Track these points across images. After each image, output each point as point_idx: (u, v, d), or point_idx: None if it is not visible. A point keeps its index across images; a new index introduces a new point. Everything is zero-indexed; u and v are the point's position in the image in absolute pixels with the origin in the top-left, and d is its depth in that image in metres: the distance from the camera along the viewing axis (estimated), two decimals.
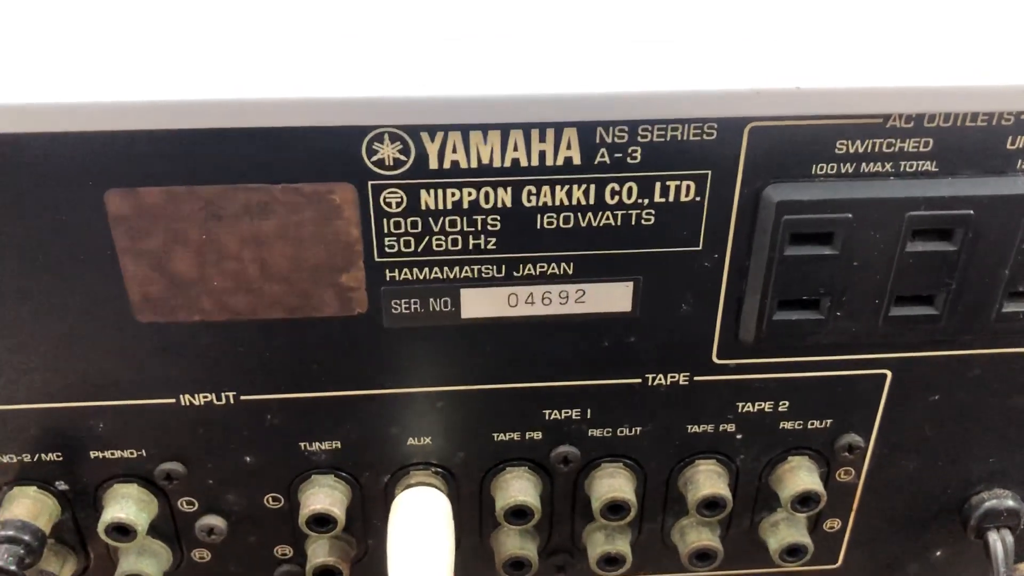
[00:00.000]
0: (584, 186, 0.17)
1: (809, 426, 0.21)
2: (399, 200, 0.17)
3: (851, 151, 0.17)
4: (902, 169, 0.18)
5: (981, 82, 0.17)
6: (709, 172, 0.17)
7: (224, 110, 0.16)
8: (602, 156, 0.17)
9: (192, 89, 0.16)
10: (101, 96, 0.16)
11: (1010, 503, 0.22)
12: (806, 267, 0.18)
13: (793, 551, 0.21)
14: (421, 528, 0.19)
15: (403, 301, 0.18)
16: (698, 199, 0.17)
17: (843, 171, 0.17)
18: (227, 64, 0.17)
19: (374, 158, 0.17)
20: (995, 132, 0.17)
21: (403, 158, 0.17)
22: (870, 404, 0.20)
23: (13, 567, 0.19)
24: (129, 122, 0.16)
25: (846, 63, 0.17)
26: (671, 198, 0.17)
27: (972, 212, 0.18)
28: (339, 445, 0.20)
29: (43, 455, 0.20)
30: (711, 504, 0.20)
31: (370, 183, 0.17)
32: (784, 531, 0.22)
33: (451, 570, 0.19)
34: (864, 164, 0.17)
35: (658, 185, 0.17)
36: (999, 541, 0.22)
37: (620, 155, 0.17)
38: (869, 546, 0.23)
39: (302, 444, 0.20)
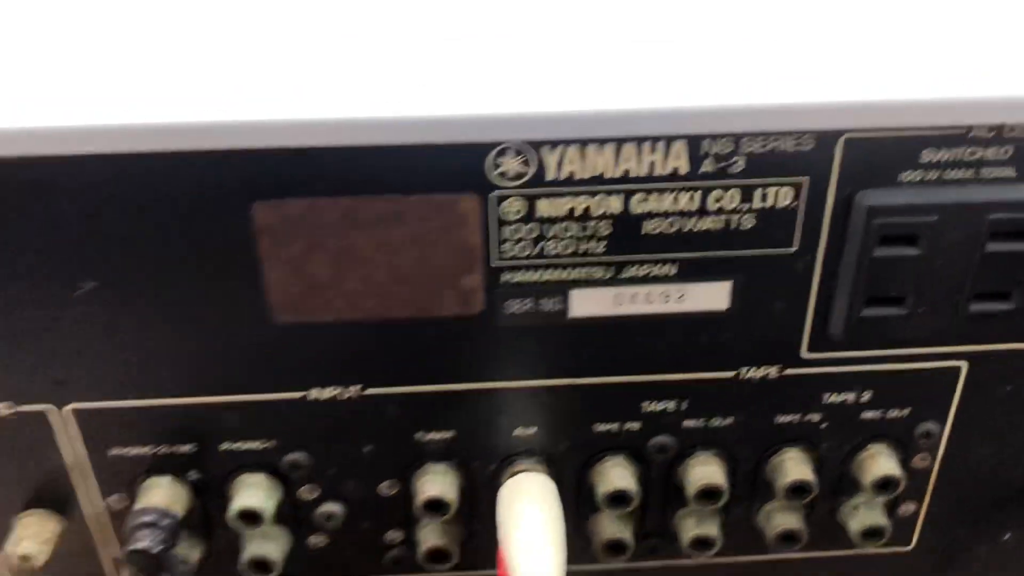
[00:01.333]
0: (689, 193, 0.19)
1: (888, 415, 0.22)
2: (518, 209, 0.19)
3: (935, 160, 0.19)
4: (982, 175, 0.19)
5: None
6: (806, 179, 0.19)
7: (363, 128, 0.17)
8: (707, 166, 0.18)
9: (332, 109, 0.18)
10: (252, 115, 0.17)
11: None
12: (892, 267, 0.19)
13: (872, 533, 0.23)
14: (537, 508, 0.21)
15: (516, 301, 0.20)
16: (794, 204, 0.19)
17: (927, 179, 0.19)
18: (354, 82, 0.18)
19: (498, 171, 0.18)
20: None
21: (524, 170, 0.18)
22: (946, 394, 0.22)
23: (159, 549, 0.20)
24: (277, 140, 0.18)
25: (929, 75, 0.18)
26: (769, 204, 0.19)
27: None
28: (452, 435, 0.21)
29: (178, 447, 0.21)
30: (798, 489, 0.22)
31: (493, 194, 0.18)
32: (864, 514, 0.23)
33: (564, 546, 0.20)
34: (947, 171, 0.19)
35: (758, 192, 0.19)
36: None
37: (724, 164, 0.18)
38: (941, 529, 0.24)
39: (418, 434, 0.21)
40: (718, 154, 0.18)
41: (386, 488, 0.22)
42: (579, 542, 0.23)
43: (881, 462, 0.22)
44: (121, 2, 0.22)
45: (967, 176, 0.19)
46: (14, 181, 0.18)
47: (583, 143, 0.18)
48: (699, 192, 0.18)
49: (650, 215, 0.19)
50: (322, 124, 0.17)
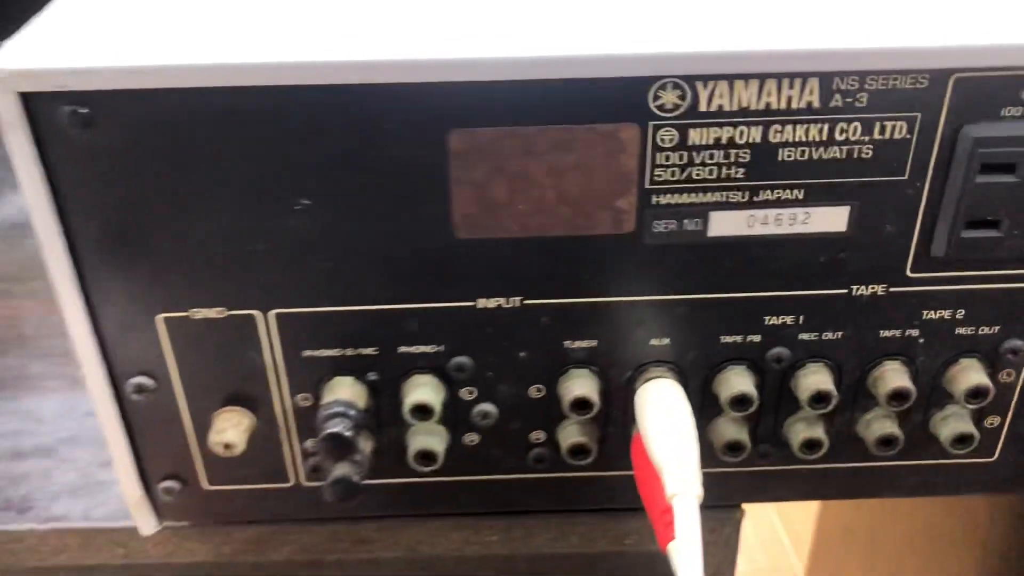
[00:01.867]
0: (820, 125, 0.22)
1: (980, 332, 0.25)
2: (672, 137, 0.22)
3: None
4: None
5: None
6: (919, 114, 0.22)
7: (543, 65, 0.21)
8: (836, 100, 0.21)
9: (516, 48, 0.21)
10: (450, 54, 0.21)
11: None
12: (992, 193, 0.22)
13: (962, 439, 0.26)
14: (673, 409, 0.24)
15: (663, 222, 0.23)
16: (908, 136, 0.22)
17: (1022, 115, 0.22)
18: (534, 25, 0.22)
19: (657, 103, 0.21)
20: None
21: (680, 103, 0.21)
22: None
23: (349, 434, 0.24)
24: (468, 75, 0.21)
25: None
26: (887, 136, 0.22)
27: None
28: (595, 344, 0.25)
29: (362, 349, 0.25)
30: (897, 396, 0.25)
31: (651, 123, 0.21)
32: (954, 423, 0.26)
33: (696, 440, 0.23)
34: (1017, 107, 0.22)
35: (878, 125, 0.22)
36: None
37: (850, 100, 0.21)
38: (1023, 442, 0.27)
39: (566, 342, 0.25)
40: (845, 90, 0.21)
41: (535, 391, 0.25)
42: (704, 445, 0.26)
43: (972, 375, 0.25)
44: None
45: None
46: (254, 106, 0.21)
47: (731, 78, 0.21)
48: (827, 124, 0.22)
49: (784, 144, 0.22)
50: (508, 61, 0.21)
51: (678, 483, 0.22)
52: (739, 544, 0.30)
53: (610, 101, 0.21)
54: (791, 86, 0.21)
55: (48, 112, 0.21)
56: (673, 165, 0.22)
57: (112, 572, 0.31)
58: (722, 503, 0.29)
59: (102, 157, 0.21)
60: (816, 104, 0.21)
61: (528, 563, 0.31)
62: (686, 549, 0.21)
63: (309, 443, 0.26)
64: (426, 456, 0.25)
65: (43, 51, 0.21)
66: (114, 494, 0.30)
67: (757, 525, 1.38)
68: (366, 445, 0.25)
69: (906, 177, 0.22)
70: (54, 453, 0.32)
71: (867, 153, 0.22)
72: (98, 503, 0.30)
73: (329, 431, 0.24)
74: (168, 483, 0.27)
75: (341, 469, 0.24)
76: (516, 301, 0.24)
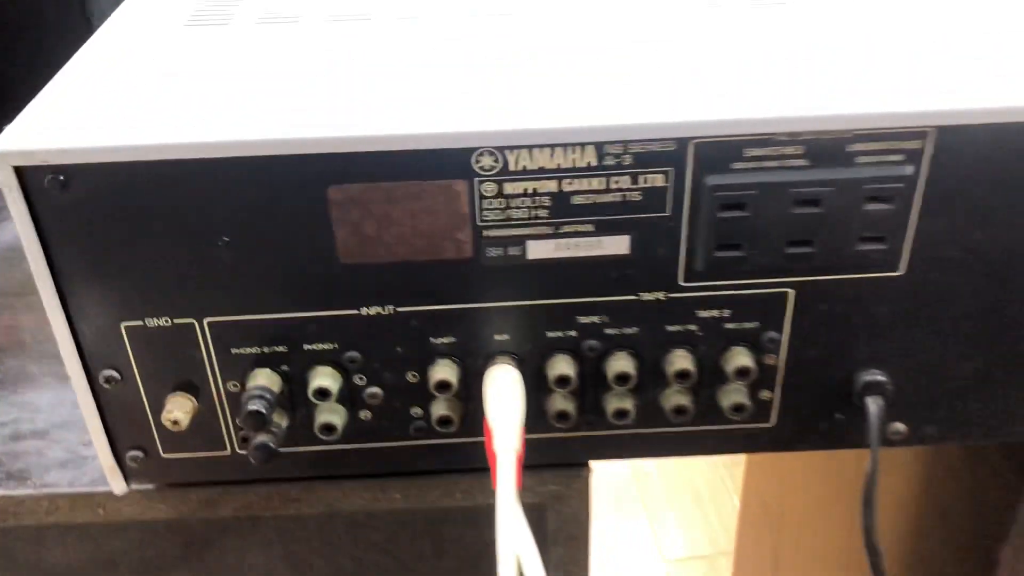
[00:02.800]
0: (599, 178, 0.30)
1: (743, 326, 0.33)
2: (492, 189, 0.30)
3: (754, 154, 0.30)
4: (785, 164, 0.30)
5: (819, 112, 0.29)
6: (672, 169, 0.30)
7: (395, 140, 0.29)
8: (608, 160, 0.29)
9: (379, 126, 0.29)
10: (331, 133, 0.29)
11: (880, 378, 0.34)
12: (731, 224, 0.30)
13: (738, 409, 0.34)
14: (506, 388, 0.32)
15: (493, 249, 0.31)
16: (666, 184, 0.30)
17: (749, 167, 0.30)
18: (394, 111, 0.29)
19: (479, 165, 0.29)
20: (840, 141, 0.29)
21: (495, 165, 0.29)
22: (780, 311, 0.33)
23: (265, 411, 0.32)
24: (343, 147, 0.29)
25: (744, 100, 0.29)
26: (650, 184, 0.30)
27: (833, 188, 0.30)
28: (454, 339, 0.33)
29: (275, 347, 0.33)
30: (682, 375, 0.33)
31: (475, 179, 0.29)
32: (732, 396, 0.34)
33: (523, 410, 0.31)
34: (763, 162, 0.30)
35: (642, 177, 0.30)
36: (873, 404, 0.34)
37: (619, 159, 0.29)
38: (792, 410, 0.35)
39: (431, 339, 0.33)
40: (614, 153, 0.29)
41: (411, 377, 0.33)
42: (538, 416, 0.34)
43: (740, 358, 0.33)
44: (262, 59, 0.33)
45: (775, 165, 0.30)
46: (186, 172, 0.29)
47: (531, 148, 0.29)
48: (604, 177, 0.30)
49: (575, 192, 0.30)
50: (371, 138, 0.29)
51: (501, 442, 0.30)
52: (590, 496, 0.38)
53: (446, 164, 0.29)
54: (574, 151, 0.29)
55: (35, 178, 0.29)
56: (495, 208, 0.30)
57: (94, 528, 0.39)
58: (567, 462, 0.37)
59: (76, 210, 0.29)
60: (594, 163, 0.29)
61: (424, 515, 0.39)
62: (502, 494, 0.29)
63: (238, 419, 0.34)
64: (328, 428, 0.33)
65: (31, 134, 0.29)
66: (94, 467, 0.38)
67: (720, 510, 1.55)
68: (281, 420, 0.33)
69: (669, 214, 0.30)
70: (47, 435, 0.40)
71: (637, 197, 0.30)
72: (82, 474, 0.38)
73: (250, 409, 0.32)
74: (133, 452, 0.35)
75: (261, 438, 0.32)
76: (391, 309, 0.32)
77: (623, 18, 0.37)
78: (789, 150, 0.29)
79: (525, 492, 0.35)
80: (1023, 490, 0.39)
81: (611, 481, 1.66)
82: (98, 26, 0.38)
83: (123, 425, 0.34)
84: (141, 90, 0.32)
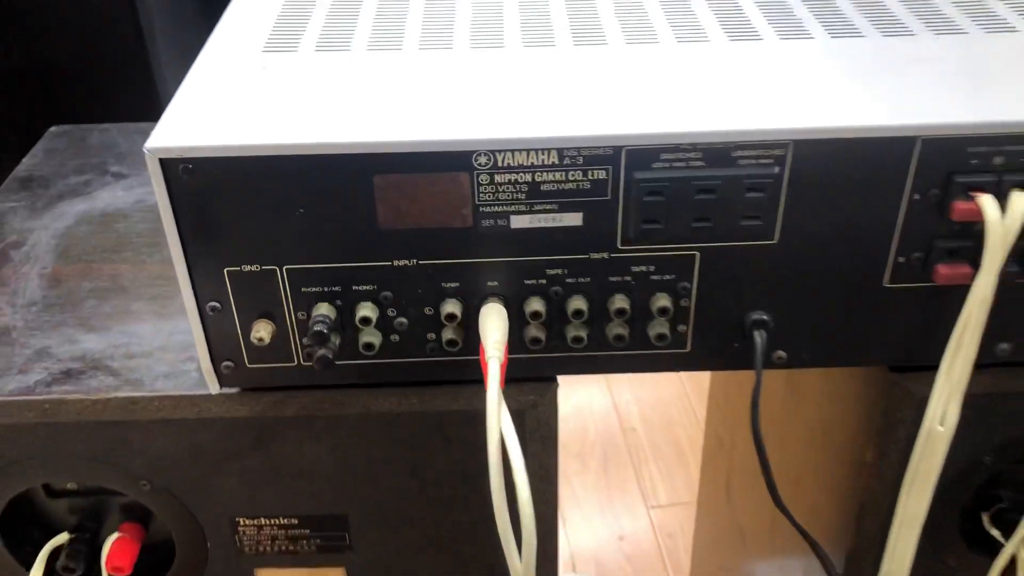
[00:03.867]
0: (561, 172, 0.43)
1: (664, 278, 0.46)
2: (486, 179, 0.43)
3: (668, 157, 0.43)
4: (690, 164, 0.43)
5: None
6: (611, 167, 0.43)
7: (418, 145, 0.42)
8: (567, 160, 0.42)
9: (408, 133, 0.42)
10: (379, 137, 0.42)
11: (764, 318, 0.47)
12: (653, 206, 0.43)
13: (660, 338, 0.47)
14: (494, 318, 0.45)
15: (487, 220, 0.44)
16: (606, 178, 0.43)
17: (665, 166, 0.43)
18: (412, 117, 0.42)
19: (477, 162, 0.42)
20: (727, 149, 0.42)
21: (488, 162, 0.42)
22: (691, 268, 0.46)
23: (325, 331, 0.45)
24: (386, 149, 0.42)
25: (654, 115, 0.42)
26: (596, 177, 0.43)
27: (722, 182, 0.43)
28: (458, 284, 0.46)
29: (332, 288, 0.46)
30: (620, 312, 0.46)
31: (475, 172, 0.43)
32: (657, 328, 0.47)
33: (506, 333, 0.45)
34: (673, 163, 0.43)
35: (591, 172, 0.43)
36: (758, 336, 0.47)
37: (575, 159, 0.42)
38: (702, 340, 0.48)
39: (442, 283, 0.46)
40: (571, 155, 0.42)
41: (427, 311, 0.47)
42: (518, 342, 0.48)
43: (661, 301, 0.46)
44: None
45: (682, 165, 0.43)
46: (275, 165, 0.42)
47: (513, 150, 0.42)
48: (564, 172, 0.43)
49: (544, 182, 0.43)
50: (404, 143, 0.42)
51: (489, 352, 0.44)
52: (556, 404, 0.52)
53: (455, 162, 0.42)
54: (543, 154, 0.42)
55: (172, 167, 0.42)
56: (488, 193, 0.43)
57: (189, 423, 0.52)
58: (539, 376, 0.50)
59: (197, 189, 0.43)
60: (557, 162, 0.42)
61: (435, 416, 0.52)
62: (490, 387, 0.43)
63: (305, 338, 0.47)
64: (368, 347, 0.47)
65: (168, 136, 0.42)
66: (191, 378, 0.52)
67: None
68: (335, 339, 0.47)
69: (609, 198, 0.43)
70: (151, 356, 0.54)
71: (587, 186, 0.43)
72: (182, 382, 0.52)
73: (315, 329, 0.45)
74: (226, 363, 0.48)
75: (322, 351, 0.46)
76: (414, 261, 0.45)
77: (576, 56, 0.49)
78: (692, 155, 0.42)
79: (508, 399, 0.49)
80: (880, 403, 0.52)
81: (600, 437, 1.80)
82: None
83: (220, 342, 0.47)
84: (239, 104, 0.45)
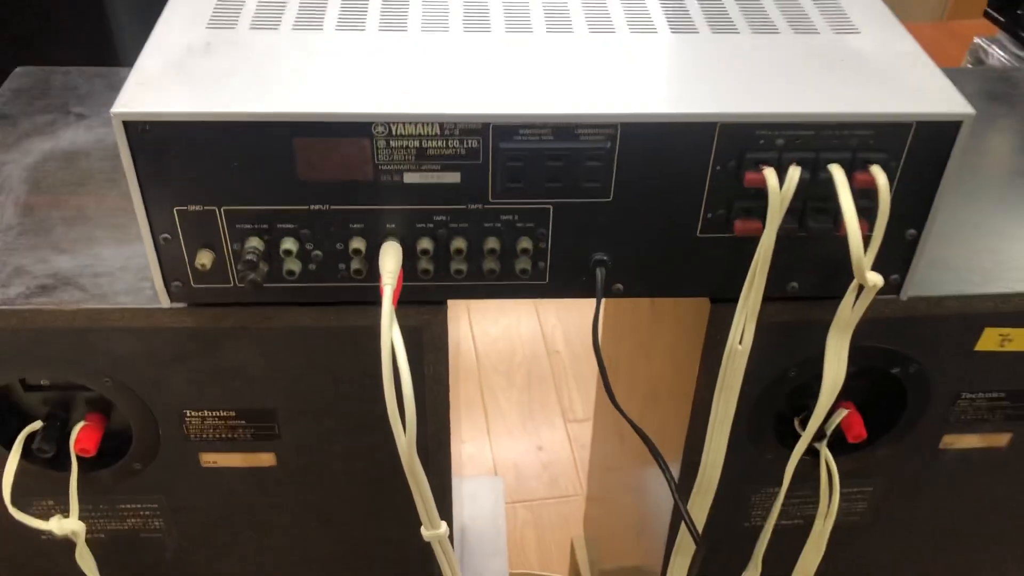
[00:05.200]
0: (441, 140, 0.54)
1: (526, 225, 0.58)
2: (383, 144, 0.54)
3: (525, 132, 0.54)
4: (540, 138, 0.55)
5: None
6: (482, 138, 0.54)
7: (335, 115, 0.53)
8: (446, 131, 0.54)
9: (327, 106, 0.53)
10: (300, 107, 0.53)
11: (603, 257, 0.60)
12: (514, 170, 0.55)
13: (524, 271, 0.59)
14: (392, 252, 0.57)
15: (384, 175, 0.56)
16: (479, 147, 0.55)
17: (521, 139, 0.55)
18: (338, 92, 0.54)
19: (376, 131, 0.54)
20: (571, 127, 0.54)
21: (384, 131, 0.54)
22: (547, 218, 0.58)
23: (254, 259, 0.57)
24: (304, 118, 0.53)
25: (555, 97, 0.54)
26: (470, 146, 0.55)
27: (569, 153, 0.55)
28: (363, 225, 0.58)
29: (259, 225, 0.57)
30: (492, 251, 0.58)
31: (374, 139, 0.54)
32: (521, 264, 0.60)
33: (399, 265, 0.57)
34: (518, 136, 0.55)
35: (466, 141, 0.54)
36: (599, 272, 0.60)
37: (449, 132, 0.54)
38: (558, 274, 0.61)
39: (351, 224, 0.58)
40: (450, 128, 0.54)
41: (338, 246, 0.58)
42: (412, 273, 0.60)
43: (524, 243, 0.59)
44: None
45: (536, 138, 0.55)
46: (218, 129, 0.53)
47: (404, 122, 0.53)
48: (444, 140, 0.54)
49: (429, 148, 0.55)
50: (321, 113, 0.53)
51: (384, 279, 0.56)
52: (447, 322, 0.64)
53: (357, 130, 0.54)
54: (429, 126, 0.54)
55: (133, 128, 0.53)
56: (385, 155, 0.55)
57: (145, 331, 0.64)
58: (430, 300, 0.62)
59: (154, 145, 0.53)
60: (439, 133, 0.54)
61: (348, 330, 0.64)
62: (384, 304, 0.55)
63: (239, 265, 0.59)
64: (291, 273, 0.59)
65: (131, 100, 0.53)
66: (147, 294, 0.63)
67: None
68: (263, 266, 0.59)
69: (481, 162, 0.55)
70: (113, 275, 0.65)
71: (463, 152, 0.55)
72: (139, 297, 0.63)
73: (247, 258, 0.57)
74: (175, 283, 0.60)
75: (252, 276, 0.57)
76: (328, 206, 0.57)
77: (464, 40, 0.61)
78: (544, 131, 0.54)
79: (408, 318, 0.61)
80: (703, 327, 0.66)
81: (526, 358, 1.95)
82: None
83: (170, 266, 0.59)
84: (186, 76, 0.55)
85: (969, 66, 1.40)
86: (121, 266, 0.66)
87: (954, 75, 0.94)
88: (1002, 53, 1.35)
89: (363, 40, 0.60)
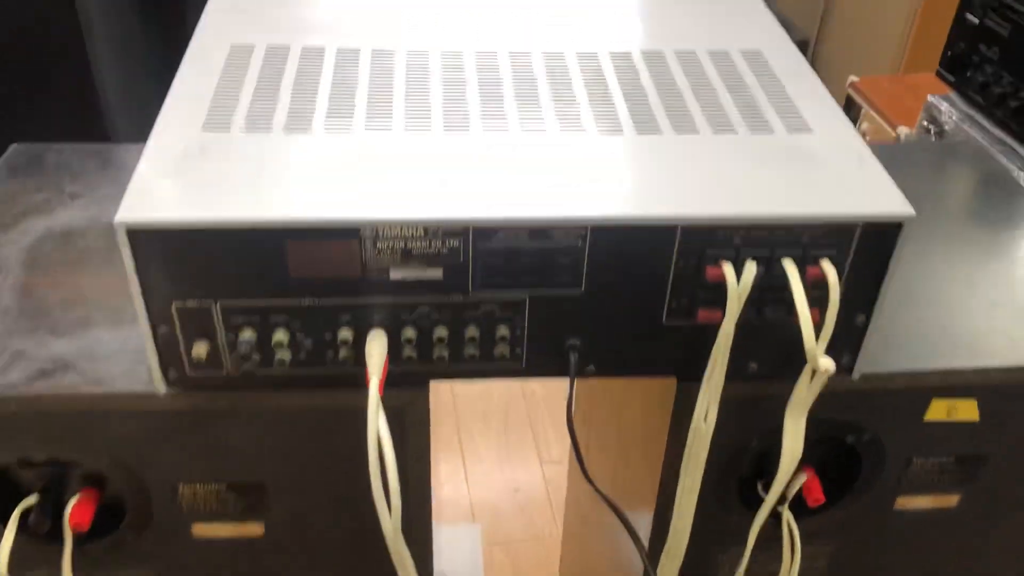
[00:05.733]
0: (425, 241, 0.58)
1: (504, 314, 0.62)
2: (371, 245, 0.58)
3: (504, 234, 0.59)
4: (516, 239, 0.59)
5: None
6: (462, 238, 0.59)
7: (325, 221, 0.57)
8: (429, 233, 0.58)
9: (318, 213, 0.57)
10: (288, 215, 0.57)
11: (576, 342, 0.64)
12: (493, 267, 0.60)
13: (502, 357, 0.64)
14: (378, 342, 0.61)
15: (371, 272, 0.60)
16: (460, 247, 0.59)
17: (501, 239, 0.59)
18: (325, 202, 0.58)
19: (363, 234, 0.58)
20: (545, 229, 0.59)
21: (372, 233, 0.58)
22: (523, 308, 0.62)
23: (246, 352, 0.60)
24: (296, 224, 0.57)
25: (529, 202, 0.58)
26: (451, 246, 0.59)
27: (543, 252, 0.59)
28: (351, 317, 0.62)
29: (253, 318, 0.61)
30: (472, 339, 0.62)
31: (363, 239, 0.58)
32: (500, 349, 0.64)
33: (384, 355, 0.61)
34: (497, 237, 0.59)
35: (447, 242, 0.59)
36: (572, 356, 0.64)
37: (433, 233, 0.58)
38: (534, 358, 0.65)
39: (339, 316, 0.61)
40: (433, 231, 0.58)
41: (327, 336, 0.62)
42: (398, 358, 0.64)
43: (502, 331, 0.63)
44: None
45: (513, 238, 0.59)
46: (213, 236, 0.57)
47: (391, 225, 0.58)
48: (428, 241, 0.58)
49: (413, 248, 0.59)
50: (311, 219, 0.57)
51: (371, 371, 0.60)
52: (428, 402, 0.68)
53: (346, 234, 0.58)
54: (413, 228, 0.58)
55: (134, 232, 0.56)
56: (372, 254, 0.59)
57: (141, 412, 0.67)
58: (414, 383, 0.66)
59: (153, 249, 0.57)
60: (423, 234, 0.58)
61: (335, 410, 0.68)
62: (371, 398, 0.59)
63: (232, 355, 0.62)
64: (282, 362, 0.62)
65: (133, 209, 0.56)
66: (142, 378, 0.66)
67: None
68: (256, 356, 0.62)
69: (462, 260, 0.59)
70: (111, 358, 0.68)
71: (446, 251, 0.59)
72: (135, 380, 0.66)
73: (240, 352, 0.60)
74: (172, 370, 0.63)
75: (245, 367, 0.61)
76: (317, 301, 0.61)
77: (446, 140, 0.65)
78: (520, 232, 0.59)
79: (391, 399, 0.65)
80: (670, 403, 0.70)
81: (503, 400, 1.99)
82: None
83: (167, 355, 0.62)
84: (184, 183, 0.59)
85: (924, 123, 1.47)
86: (118, 348, 0.69)
87: (907, 149, 1.00)
88: (953, 111, 1.42)
89: (351, 141, 0.64)
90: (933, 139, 1.47)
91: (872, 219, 0.60)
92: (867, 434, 0.74)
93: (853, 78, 1.69)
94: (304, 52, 0.73)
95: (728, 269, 0.60)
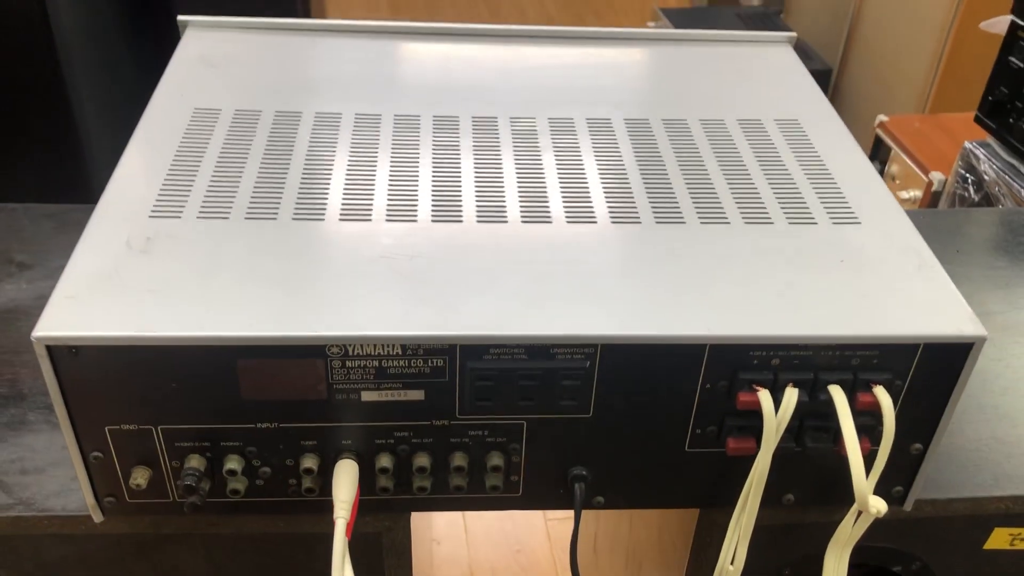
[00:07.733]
0: (404, 360, 0.49)
1: (497, 440, 0.53)
2: (338, 364, 0.49)
3: (496, 351, 0.49)
4: (512, 358, 0.50)
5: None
6: (448, 356, 0.49)
7: (284, 339, 0.48)
8: (408, 351, 0.49)
9: (273, 330, 0.48)
10: (242, 331, 0.48)
11: (583, 472, 0.55)
12: (483, 389, 0.50)
13: (495, 487, 0.54)
14: (346, 474, 0.52)
15: (340, 394, 0.50)
16: (445, 365, 0.49)
17: (492, 358, 0.49)
18: (271, 312, 0.48)
19: (330, 352, 0.49)
20: (545, 347, 0.49)
21: (339, 351, 0.49)
22: (520, 433, 0.53)
23: (193, 484, 0.51)
24: (247, 341, 0.48)
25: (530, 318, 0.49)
26: (435, 365, 0.49)
27: (543, 372, 0.50)
28: (315, 442, 0.52)
29: (200, 443, 0.52)
30: (459, 468, 0.53)
31: (328, 359, 0.49)
32: (492, 480, 0.54)
33: (354, 489, 0.51)
34: (488, 355, 0.49)
35: (431, 360, 0.49)
36: (577, 487, 0.55)
37: (412, 352, 0.49)
38: (532, 488, 0.55)
39: (301, 441, 0.52)
40: (413, 349, 0.49)
41: (288, 462, 0.53)
42: (371, 488, 0.54)
43: (495, 459, 0.53)
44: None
45: (508, 357, 0.49)
46: (154, 352, 0.48)
47: (356, 343, 0.48)
48: (407, 359, 0.49)
49: (390, 367, 0.49)
50: (266, 336, 0.48)
51: (336, 511, 0.50)
52: (410, 529, 0.59)
53: (308, 351, 0.48)
54: (390, 347, 0.48)
55: (57, 349, 0.47)
56: (340, 374, 0.49)
57: (77, 537, 0.58)
58: (391, 511, 0.57)
59: (79, 366, 0.48)
60: (400, 352, 0.49)
61: (297, 537, 0.59)
62: (336, 543, 0.49)
63: (178, 483, 0.53)
64: (235, 491, 0.53)
65: (55, 321, 0.47)
66: (79, 497, 0.57)
67: None
68: (205, 485, 0.53)
69: (448, 380, 0.50)
70: (44, 472, 0.59)
71: (428, 371, 0.50)
72: (71, 500, 0.57)
73: (186, 483, 0.51)
74: (108, 498, 0.54)
75: (191, 499, 0.52)
76: (276, 424, 0.51)
77: (431, 231, 0.56)
78: (516, 350, 0.49)
79: (365, 525, 0.56)
80: (692, 529, 0.61)
81: None
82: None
83: (102, 482, 0.53)
84: (119, 288, 0.50)
85: (961, 170, 1.37)
86: (53, 460, 0.60)
87: (956, 219, 0.89)
88: (993, 159, 1.32)
89: (321, 232, 0.54)
90: (971, 189, 1.37)
91: (936, 340, 0.50)
92: (916, 563, 0.64)
93: (883, 117, 1.59)
94: (277, 117, 0.64)
95: (765, 397, 0.50)
